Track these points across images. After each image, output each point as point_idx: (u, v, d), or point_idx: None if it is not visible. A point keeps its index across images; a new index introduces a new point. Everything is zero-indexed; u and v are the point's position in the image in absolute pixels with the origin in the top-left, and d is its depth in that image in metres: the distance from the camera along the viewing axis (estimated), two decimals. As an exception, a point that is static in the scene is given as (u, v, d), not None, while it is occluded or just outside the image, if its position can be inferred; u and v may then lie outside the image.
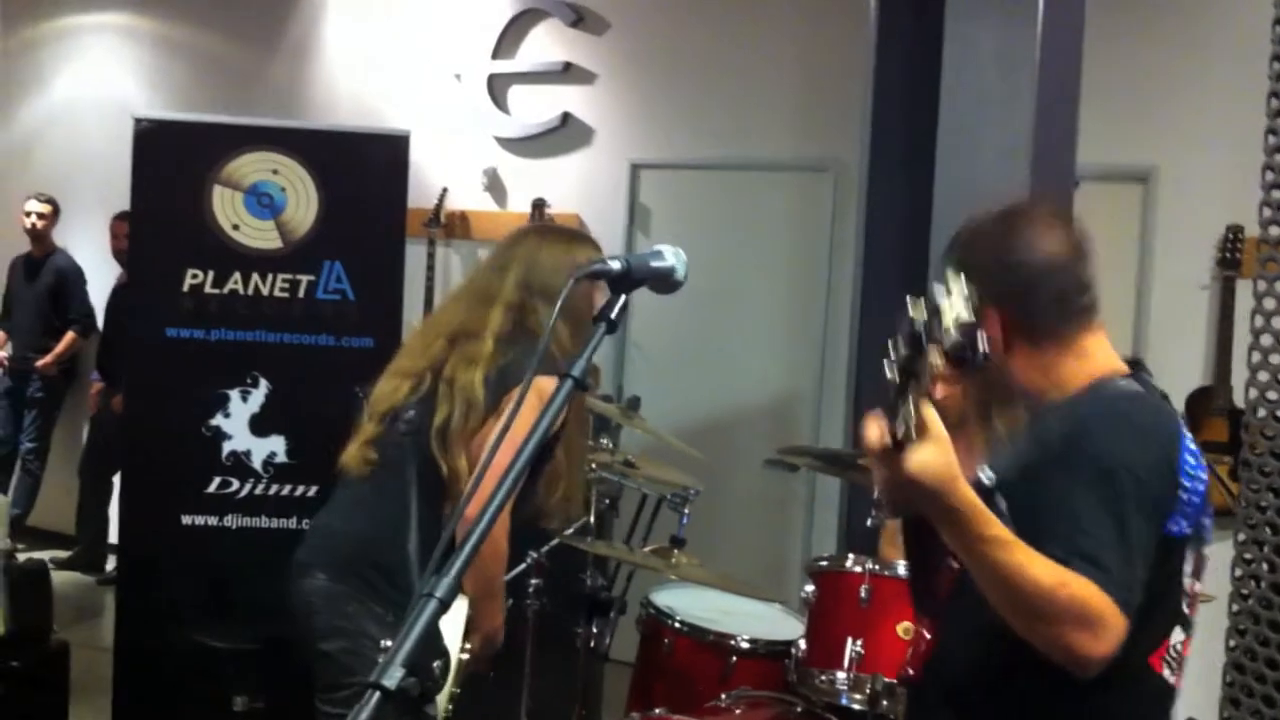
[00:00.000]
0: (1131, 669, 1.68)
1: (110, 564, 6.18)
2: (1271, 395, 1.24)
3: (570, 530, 3.14)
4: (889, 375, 1.51)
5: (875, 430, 1.56)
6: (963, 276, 1.48)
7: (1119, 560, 1.60)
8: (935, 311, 1.46)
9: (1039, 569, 1.59)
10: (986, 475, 1.81)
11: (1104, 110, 4.30)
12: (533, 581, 3.27)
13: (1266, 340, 1.15)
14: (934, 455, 1.54)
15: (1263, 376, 1.13)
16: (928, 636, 1.88)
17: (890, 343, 1.50)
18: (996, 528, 1.60)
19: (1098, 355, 1.82)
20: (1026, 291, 1.79)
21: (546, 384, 1.48)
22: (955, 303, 1.46)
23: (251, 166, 4.06)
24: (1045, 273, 1.80)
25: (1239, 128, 3.42)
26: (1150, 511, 1.66)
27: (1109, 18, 4.33)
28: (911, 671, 1.88)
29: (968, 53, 3.65)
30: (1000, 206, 1.89)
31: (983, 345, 1.52)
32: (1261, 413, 1.29)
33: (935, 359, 1.46)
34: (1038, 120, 3.50)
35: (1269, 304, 1.21)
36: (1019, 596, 1.60)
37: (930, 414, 1.54)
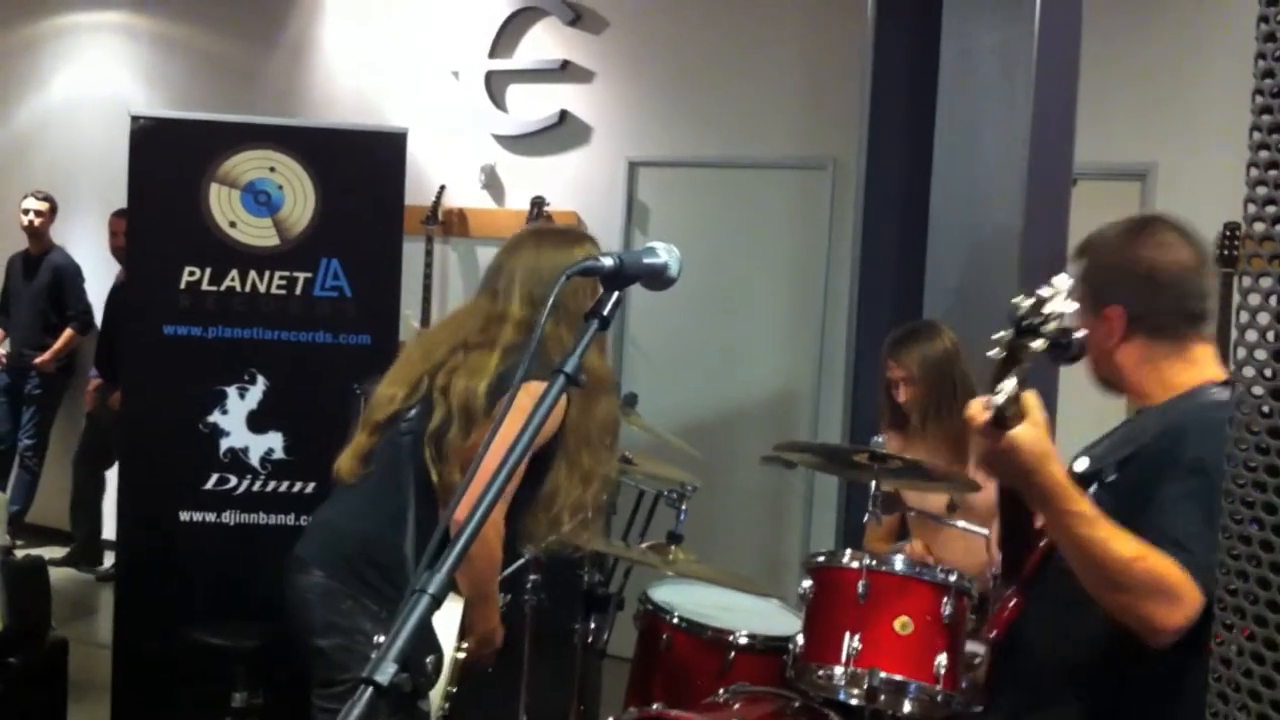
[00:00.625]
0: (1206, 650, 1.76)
1: (108, 560, 6.19)
2: (1257, 391, 1.26)
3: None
4: (994, 354, 1.72)
5: (979, 406, 1.77)
6: (1064, 277, 1.68)
7: (1204, 545, 1.71)
8: (1040, 303, 1.66)
9: (1120, 543, 1.75)
10: (1081, 465, 1.98)
11: (1102, 108, 4.30)
12: (530, 578, 3.28)
13: (1251, 336, 1.18)
14: (1032, 434, 1.75)
15: (1247, 372, 1.15)
16: (1013, 603, 2.08)
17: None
18: (1083, 504, 1.78)
19: (1203, 363, 1.98)
20: (1153, 291, 1.98)
21: (539, 388, 1.43)
22: (1059, 297, 1.66)
23: (249, 164, 4.05)
24: (1173, 278, 1.98)
25: (1237, 125, 3.39)
26: None
27: (1107, 16, 4.34)
28: (995, 633, 2.10)
29: (966, 50, 3.65)
30: (1132, 217, 2.09)
31: (1078, 335, 1.79)
32: (1246, 409, 1.31)
33: (1036, 344, 1.68)
34: (1036, 118, 3.51)
35: (1254, 300, 1.23)
36: (1100, 567, 1.76)
37: (1032, 399, 1.76)
